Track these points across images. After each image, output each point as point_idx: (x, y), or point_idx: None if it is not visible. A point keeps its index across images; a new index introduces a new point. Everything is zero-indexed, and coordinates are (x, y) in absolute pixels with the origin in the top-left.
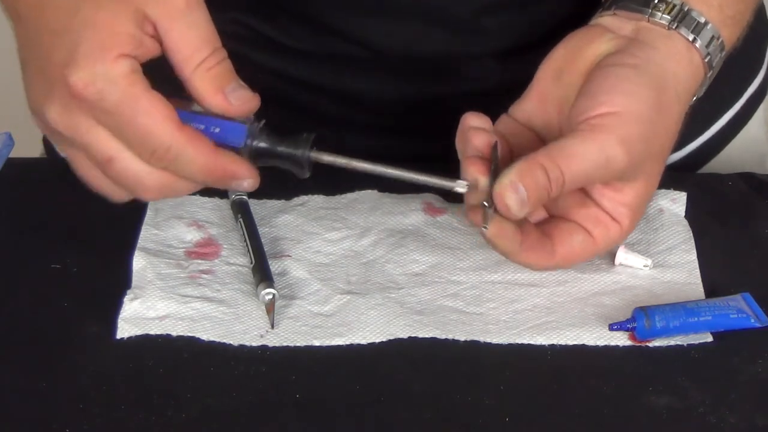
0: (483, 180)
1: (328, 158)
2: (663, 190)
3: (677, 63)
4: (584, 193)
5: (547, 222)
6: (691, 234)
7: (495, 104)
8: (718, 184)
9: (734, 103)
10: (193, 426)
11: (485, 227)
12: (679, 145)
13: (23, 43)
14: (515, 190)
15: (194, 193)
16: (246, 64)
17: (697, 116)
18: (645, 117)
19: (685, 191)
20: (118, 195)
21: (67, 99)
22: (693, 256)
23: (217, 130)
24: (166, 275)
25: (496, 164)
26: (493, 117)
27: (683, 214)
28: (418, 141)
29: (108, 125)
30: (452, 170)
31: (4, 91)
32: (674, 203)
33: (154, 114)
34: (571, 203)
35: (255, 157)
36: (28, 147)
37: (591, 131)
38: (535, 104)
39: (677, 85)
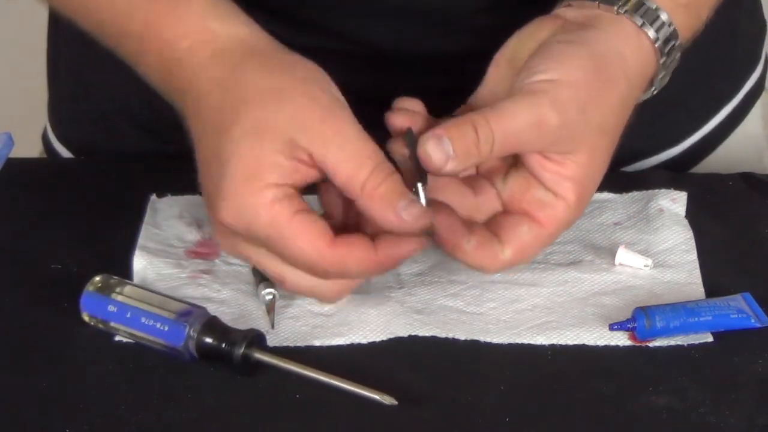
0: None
1: (262, 358)
2: (663, 190)
3: (624, 44)
4: (527, 176)
5: (492, 221)
6: (692, 234)
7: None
8: (718, 183)
9: (732, 98)
10: (193, 426)
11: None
12: (678, 139)
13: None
14: (438, 141)
15: (194, 193)
16: None
17: (696, 111)
18: (581, 84)
19: (685, 191)
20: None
21: (223, 229)
22: (693, 256)
23: (166, 328)
24: (167, 275)
25: (413, 148)
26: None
27: (683, 214)
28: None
29: (265, 247)
30: None
31: (4, 91)
32: (674, 203)
33: (302, 239)
34: (515, 188)
35: (199, 353)
36: (28, 147)
37: (524, 94)
38: (488, 90)
39: (624, 64)
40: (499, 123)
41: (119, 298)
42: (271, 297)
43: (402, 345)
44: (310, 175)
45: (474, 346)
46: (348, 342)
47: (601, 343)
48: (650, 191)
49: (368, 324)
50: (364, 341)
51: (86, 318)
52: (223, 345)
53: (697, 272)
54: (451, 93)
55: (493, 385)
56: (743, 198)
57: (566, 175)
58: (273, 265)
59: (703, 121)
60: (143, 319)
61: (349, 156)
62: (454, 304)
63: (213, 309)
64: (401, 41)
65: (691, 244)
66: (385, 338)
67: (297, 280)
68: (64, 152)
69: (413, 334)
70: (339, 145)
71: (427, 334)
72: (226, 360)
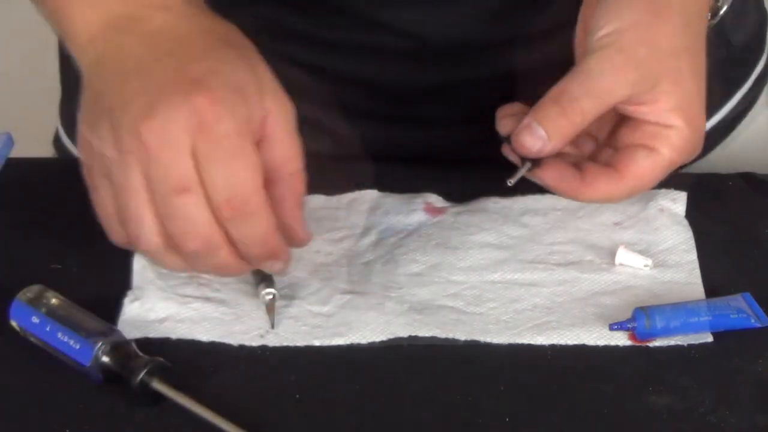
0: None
1: (162, 389)
2: (663, 190)
3: None
4: (633, 124)
5: (609, 157)
6: (691, 234)
7: (516, 90)
8: (718, 183)
9: (743, 85)
10: (194, 426)
11: (528, 168)
12: None
13: (114, 55)
14: (529, 129)
15: None
16: (276, 58)
17: (708, 98)
18: (640, 23)
19: (685, 191)
20: (119, 235)
21: (175, 115)
22: (693, 256)
23: (78, 346)
24: (166, 275)
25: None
26: (512, 100)
27: (683, 213)
28: (443, 129)
29: (202, 155)
30: (471, 157)
31: (4, 91)
32: (674, 203)
33: (252, 162)
34: (624, 134)
35: (104, 375)
36: (28, 147)
37: (593, 52)
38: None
39: None
40: (580, 87)
41: (43, 310)
42: (270, 297)
43: (402, 345)
44: (255, 128)
45: (474, 346)
46: (348, 342)
47: (601, 343)
48: (650, 191)
49: (368, 324)
50: (363, 341)
51: (16, 327)
52: (124, 371)
53: (697, 272)
54: (481, 81)
55: (493, 385)
56: (743, 198)
57: (663, 107)
58: (188, 170)
59: (716, 107)
60: (59, 335)
61: (294, 142)
62: (454, 304)
63: (213, 309)
64: (438, 31)
65: (691, 243)
66: (384, 338)
67: (194, 200)
68: (76, 151)
69: (413, 334)
70: (290, 127)
71: (426, 335)
72: (126, 386)
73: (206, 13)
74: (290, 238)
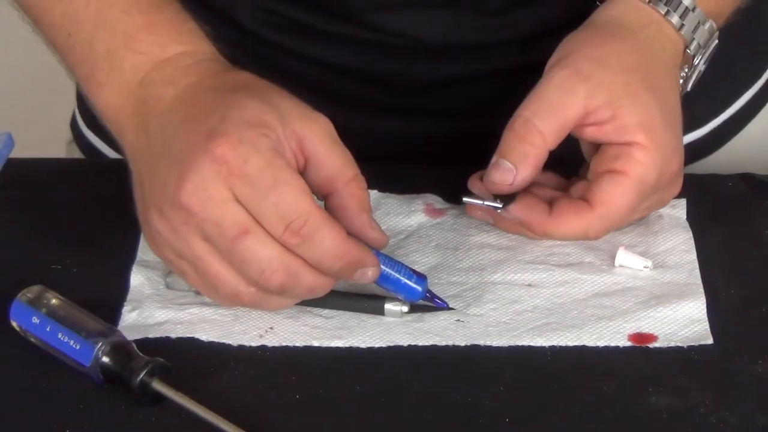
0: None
1: (163, 390)
2: None
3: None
4: (600, 150)
5: (581, 189)
6: (691, 234)
7: (514, 84)
8: (717, 184)
9: (752, 85)
10: (194, 426)
11: (499, 207)
12: (700, 123)
13: (144, 142)
14: (495, 165)
15: None
16: (276, 51)
17: (717, 96)
18: (586, 42)
19: (684, 192)
20: (234, 297)
21: (204, 172)
22: (693, 256)
23: (78, 347)
24: (164, 290)
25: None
26: (513, 96)
27: (683, 219)
28: (441, 121)
29: (244, 196)
30: (467, 148)
31: (4, 91)
32: (674, 209)
33: (294, 185)
34: (593, 166)
35: (104, 376)
36: (28, 147)
37: (544, 75)
38: None
39: (622, 17)
40: (531, 109)
41: (43, 310)
42: None
43: (401, 346)
44: (291, 157)
45: (474, 347)
46: (347, 345)
47: (601, 344)
48: None
49: (368, 330)
50: (363, 345)
51: (16, 327)
52: (124, 371)
53: (697, 272)
54: (481, 77)
55: (493, 386)
56: (743, 198)
57: (624, 122)
58: (239, 215)
59: (724, 105)
60: (60, 335)
61: (339, 153)
62: (454, 305)
63: (211, 312)
64: (440, 33)
65: (691, 244)
66: (383, 345)
67: (258, 238)
68: (94, 139)
69: (413, 344)
70: (329, 142)
71: (426, 344)
72: (126, 386)
73: (214, 70)
74: (366, 242)
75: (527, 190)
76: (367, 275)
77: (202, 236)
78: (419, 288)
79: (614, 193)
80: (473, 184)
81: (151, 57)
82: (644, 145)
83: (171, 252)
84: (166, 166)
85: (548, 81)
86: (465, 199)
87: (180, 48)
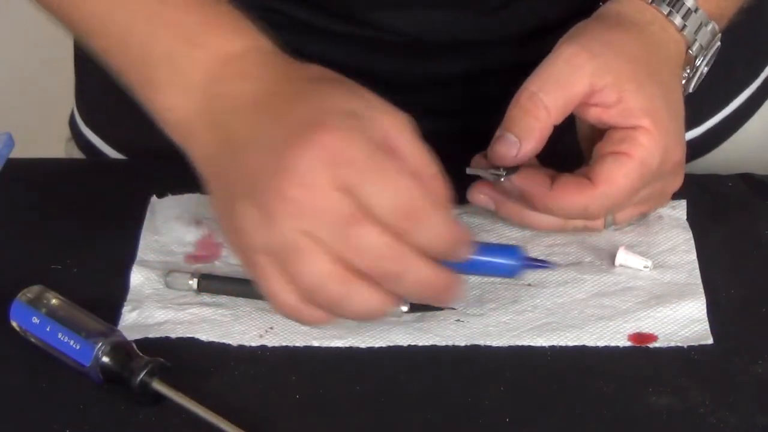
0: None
1: (163, 390)
2: None
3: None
4: (604, 134)
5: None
6: (691, 234)
7: (514, 82)
8: (717, 184)
9: (751, 84)
10: (194, 426)
11: (502, 175)
12: (698, 121)
13: (222, 138)
14: (501, 137)
15: (194, 191)
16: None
17: (716, 94)
18: (594, 29)
19: (684, 192)
20: (315, 315)
21: (307, 161)
22: (693, 256)
23: (78, 347)
24: (164, 290)
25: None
26: (510, 92)
27: (683, 219)
28: (441, 119)
29: (350, 183)
30: (468, 147)
31: (4, 91)
32: (674, 210)
33: (402, 168)
34: (597, 149)
35: (104, 376)
36: (28, 147)
37: (551, 53)
38: None
39: (621, 9)
40: (537, 83)
41: (43, 310)
42: None
43: (401, 346)
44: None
45: (474, 347)
46: (347, 345)
47: (601, 343)
48: None
49: (368, 330)
50: (362, 345)
51: (16, 327)
52: (124, 371)
53: (697, 272)
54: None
55: (493, 386)
56: (743, 198)
57: (629, 106)
58: (348, 201)
59: (723, 103)
60: (60, 335)
61: (421, 149)
62: (455, 306)
63: (211, 312)
64: (438, 31)
65: (691, 244)
66: (383, 345)
67: (368, 229)
68: (92, 136)
69: (413, 344)
70: (412, 136)
71: (427, 344)
72: (126, 386)
73: (286, 62)
74: None
75: (529, 166)
76: (463, 253)
77: (300, 227)
78: (515, 262)
79: (617, 173)
80: (477, 161)
81: (217, 53)
82: (649, 129)
83: (255, 247)
84: (255, 158)
85: (556, 56)
86: (468, 169)
87: (246, 42)
